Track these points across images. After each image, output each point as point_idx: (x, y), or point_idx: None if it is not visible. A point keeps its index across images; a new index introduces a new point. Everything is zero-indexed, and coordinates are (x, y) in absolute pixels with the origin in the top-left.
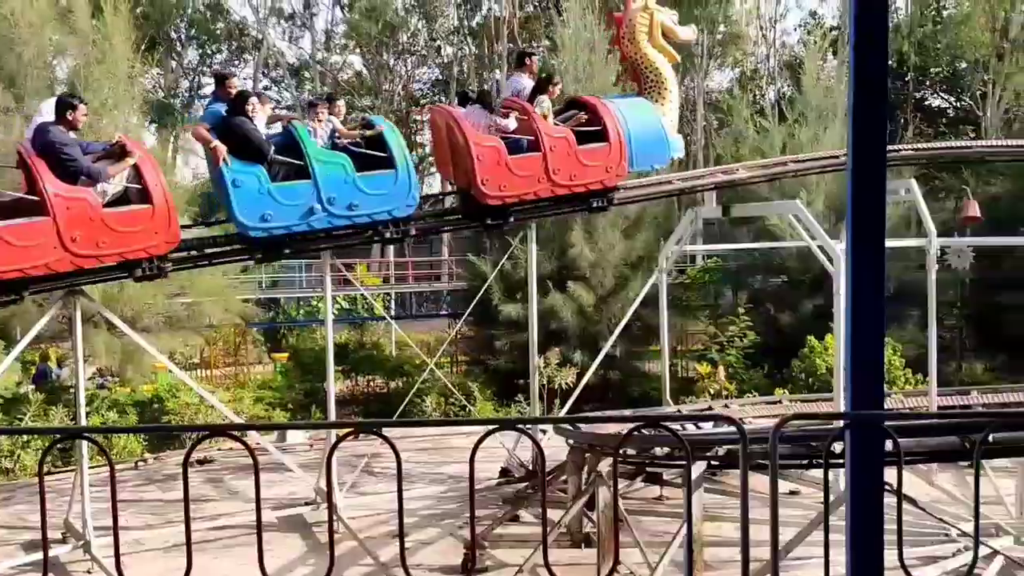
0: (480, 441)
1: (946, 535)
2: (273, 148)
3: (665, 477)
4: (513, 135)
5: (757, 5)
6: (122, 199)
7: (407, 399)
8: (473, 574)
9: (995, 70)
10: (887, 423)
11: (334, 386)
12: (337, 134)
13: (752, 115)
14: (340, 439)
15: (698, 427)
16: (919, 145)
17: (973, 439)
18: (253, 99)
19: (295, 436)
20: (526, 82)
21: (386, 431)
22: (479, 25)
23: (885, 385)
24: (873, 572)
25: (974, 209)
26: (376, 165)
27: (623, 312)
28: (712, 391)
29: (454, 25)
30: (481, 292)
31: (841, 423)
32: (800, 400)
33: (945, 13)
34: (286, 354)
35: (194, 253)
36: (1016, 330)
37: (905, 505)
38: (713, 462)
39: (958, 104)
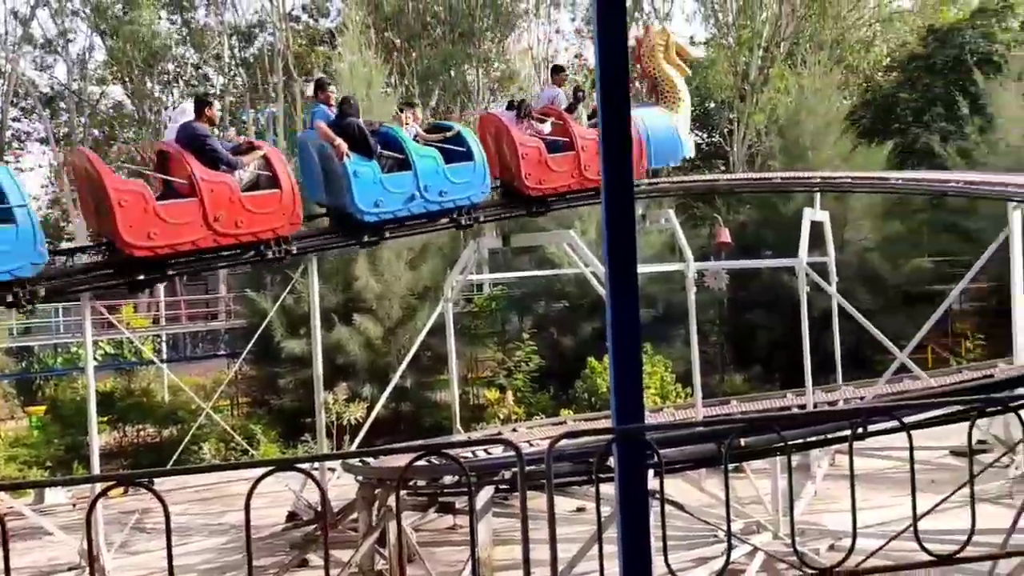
0: (255, 484)
1: (715, 536)
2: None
3: (458, 506)
4: (549, 137)
5: (530, 46)
6: (253, 187)
7: (181, 447)
8: None
9: (739, 110)
10: (648, 435)
11: (98, 438)
12: (418, 137)
13: None
14: (101, 493)
15: (488, 453)
16: (675, 178)
17: (725, 444)
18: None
19: (55, 496)
20: (558, 91)
21: (158, 482)
22: (253, 56)
23: (660, 399)
24: None
25: (726, 235)
26: (455, 159)
27: (412, 343)
28: (502, 416)
29: (227, 53)
30: (261, 329)
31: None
32: (585, 419)
33: (694, 55)
34: (43, 407)
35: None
36: (766, 344)
37: (676, 511)
38: (501, 486)
39: (710, 140)
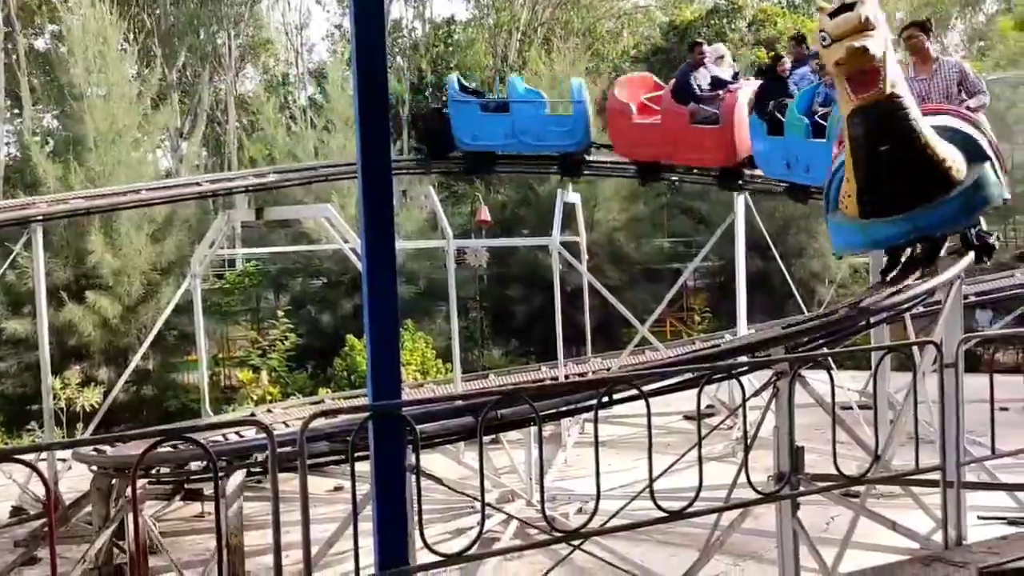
0: None
1: (472, 507)
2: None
3: (207, 492)
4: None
5: (283, 12)
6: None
7: None
8: None
9: (498, 90)
10: (405, 411)
11: None
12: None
13: (284, 120)
14: None
15: (240, 436)
16: None
17: (480, 417)
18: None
19: None
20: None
21: None
22: None
23: (421, 375)
24: (399, 554)
25: (486, 214)
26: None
27: (155, 322)
28: (256, 397)
29: None
30: None
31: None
32: (344, 398)
33: (455, 37)
34: None
35: None
36: (524, 319)
37: (435, 485)
38: (253, 470)
39: None
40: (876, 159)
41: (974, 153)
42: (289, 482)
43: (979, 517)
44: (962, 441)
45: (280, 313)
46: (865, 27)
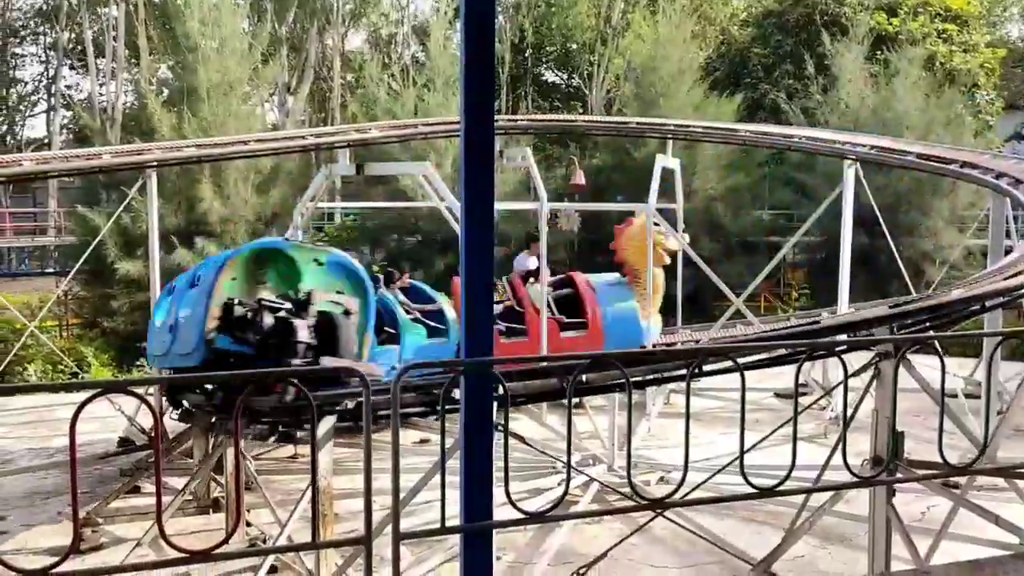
0: (82, 407)
1: (553, 468)
2: None
3: (300, 436)
4: None
5: None
6: None
7: (2, 367)
8: (85, 553)
9: (600, 53)
10: (496, 368)
11: None
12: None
13: (386, 77)
14: None
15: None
16: (534, 116)
17: (567, 380)
18: None
19: None
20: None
21: None
22: None
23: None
24: (483, 508)
25: (581, 178)
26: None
27: None
28: None
29: None
30: (92, 247)
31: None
32: None
33: None
34: None
35: None
36: None
37: (519, 444)
38: (345, 416)
39: (570, 81)
40: None
41: None
42: (379, 431)
43: None
44: None
45: (375, 268)
46: None
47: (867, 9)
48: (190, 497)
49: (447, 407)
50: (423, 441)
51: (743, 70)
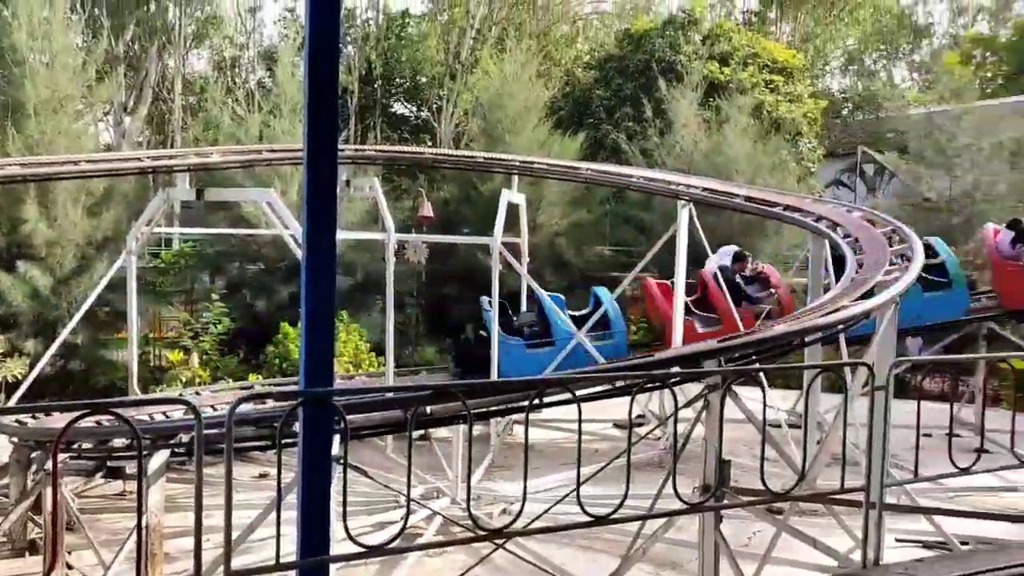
0: None
1: (396, 502)
2: None
3: (129, 471)
4: None
5: None
6: None
7: None
8: None
9: (448, 88)
10: (335, 400)
11: None
12: None
13: (229, 101)
14: None
15: (167, 416)
16: (382, 147)
17: (410, 412)
18: None
19: None
20: None
21: None
22: None
23: (353, 368)
24: (320, 543)
25: (428, 209)
26: None
27: (87, 296)
28: (185, 379)
29: None
30: None
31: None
32: (273, 384)
33: (409, 30)
34: None
35: None
36: (458, 317)
37: (360, 477)
38: (177, 451)
39: (419, 114)
40: None
41: None
42: (214, 466)
43: (897, 539)
44: (886, 464)
45: (215, 296)
46: None
47: (701, 58)
48: (3, 539)
49: (285, 440)
50: (262, 476)
51: (586, 111)
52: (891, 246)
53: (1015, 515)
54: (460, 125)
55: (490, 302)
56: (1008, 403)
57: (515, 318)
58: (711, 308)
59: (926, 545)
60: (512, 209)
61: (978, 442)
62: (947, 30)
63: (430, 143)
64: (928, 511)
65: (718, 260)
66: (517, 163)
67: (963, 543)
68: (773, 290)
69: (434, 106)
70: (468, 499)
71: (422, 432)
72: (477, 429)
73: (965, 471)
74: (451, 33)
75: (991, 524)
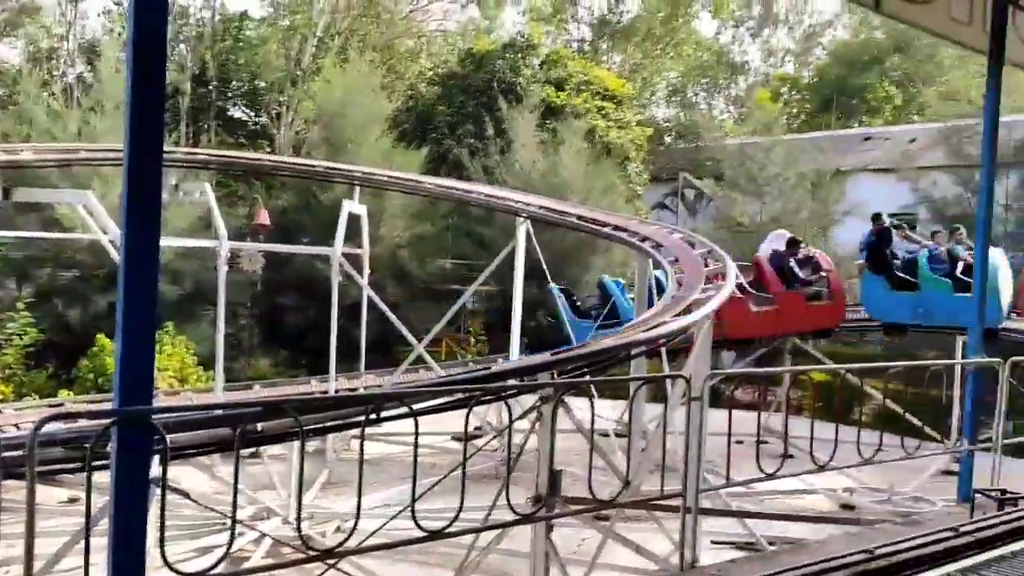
0: None
1: (223, 524)
2: None
3: None
4: None
5: None
6: None
7: None
8: None
9: (289, 94)
10: (155, 418)
11: None
12: None
13: (45, 96)
14: None
15: None
16: (216, 152)
17: (239, 429)
18: None
19: None
20: None
21: None
22: None
23: (178, 382)
24: (134, 572)
25: (265, 217)
26: None
27: None
28: None
29: None
30: None
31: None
32: (88, 401)
33: (247, 33)
34: None
35: None
36: (296, 330)
37: (183, 500)
38: None
39: (257, 119)
40: None
41: None
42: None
43: (712, 542)
44: (702, 470)
45: (20, 305)
46: None
47: (539, 82)
48: None
49: (97, 462)
50: (71, 500)
51: (429, 125)
52: (706, 266)
53: (814, 516)
54: (300, 132)
55: (560, 289)
56: (809, 411)
57: (578, 303)
58: (765, 289)
59: (738, 546)
60: (353, 220)
61: (783, 448)
62: (759, 67)
63: (268, 149)
64: (739, 514)
65: (772, 244)
66: (359, 174)
67: (770, 543)
68: (824, 273)
69: (273, 112)
70: (299, 518)
71: (252, 449)
72: (314, 445)
73: (771, 476)
74: (292, 39)
75: (794, 524)
